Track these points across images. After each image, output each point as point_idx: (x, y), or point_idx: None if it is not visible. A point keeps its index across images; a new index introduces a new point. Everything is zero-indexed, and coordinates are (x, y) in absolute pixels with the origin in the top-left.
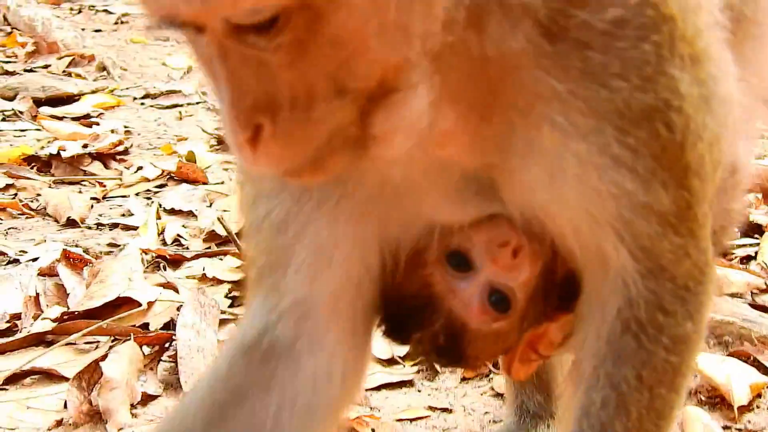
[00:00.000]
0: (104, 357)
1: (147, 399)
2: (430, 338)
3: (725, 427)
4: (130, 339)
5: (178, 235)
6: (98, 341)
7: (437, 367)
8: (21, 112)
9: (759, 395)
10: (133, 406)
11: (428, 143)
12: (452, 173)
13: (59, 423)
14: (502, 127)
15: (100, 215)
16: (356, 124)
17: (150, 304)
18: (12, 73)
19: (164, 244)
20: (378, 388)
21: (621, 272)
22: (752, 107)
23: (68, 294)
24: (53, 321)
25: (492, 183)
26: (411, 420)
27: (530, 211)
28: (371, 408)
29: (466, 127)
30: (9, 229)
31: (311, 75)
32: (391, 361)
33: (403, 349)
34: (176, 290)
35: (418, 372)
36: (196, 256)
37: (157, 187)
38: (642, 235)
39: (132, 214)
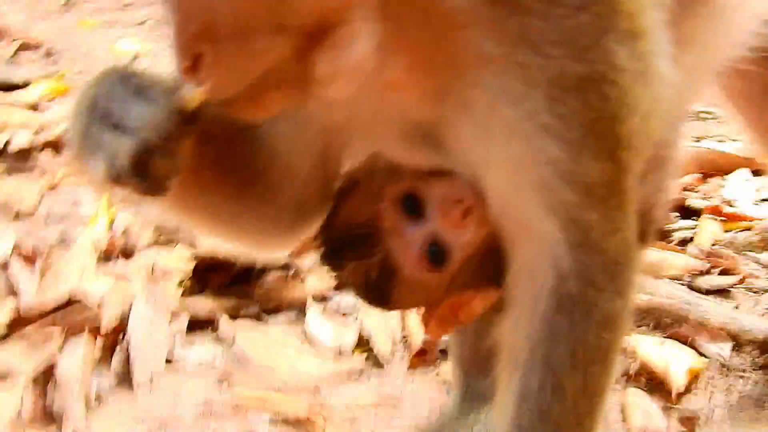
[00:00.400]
0: (58, 353)
1: (101, 394)
2: (363, 271)
3: (665, 409)
4: (83, 334)
5: (129, 225)
6: (51, 337)
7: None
8: None
9: (697, 378)
10: (88, 401)
11: (375, 89)
12: (402, 119)
13: (13, 421)
14: (444, 82)
15: (51, 206)
16: (296, 62)
17: (102, 297)
18: None
19: (115, 235)
20: (327, 380)
21: (550, 244)
22: (691, 87)
23: (20, 289)
24: (5, 317)
25: (438, 135)
26: (361, 408)
27: (469, 171)
28: (321, 400)
29: (411, 77)
30: None
31: (250, 7)
32: (339, 352)
33: (350, 340)
34: (128, 282)
35: (366, 361)
36: (148, 246)
37: None
38: (570, 206)
39: (83, 205)
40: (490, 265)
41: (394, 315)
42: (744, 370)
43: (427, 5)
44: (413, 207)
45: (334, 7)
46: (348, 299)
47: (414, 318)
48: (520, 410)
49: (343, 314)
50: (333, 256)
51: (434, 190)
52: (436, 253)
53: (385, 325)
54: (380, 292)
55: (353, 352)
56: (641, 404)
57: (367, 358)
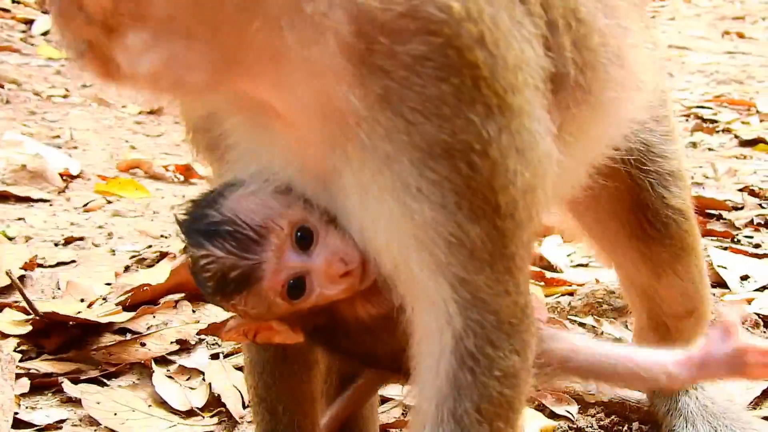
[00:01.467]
0: None
1: None
2: (229, 265)
3: None
4: None
5: None
6: None
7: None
8: None
9: None
10: None
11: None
12: (301, 160)
13: None
14: (330, 130)
15: None
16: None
17: None
18: None
19: None
20: None
21: (443, 304)
22: (574, 169)
23: None
24: None
25: (331, 185)
26: None
27: (357, 227)
28: None
29: (297, 117)
30: None
31: None
32: (189, 413)
33: (200, 401)
34: None
35: (218, 423)
36: None
37: None
38: (456, 267)
39: None
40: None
41: (238, 376)
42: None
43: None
44: (304, 241)
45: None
46: (191, 361)
47: None
48: None
49: (188, 377)
50: (212, 237)
51: (329, 239)
52: (296, 289)
53: (233, 386)
54: (230, 290)
55: (204, 412)
56: None
57: (219, 420)
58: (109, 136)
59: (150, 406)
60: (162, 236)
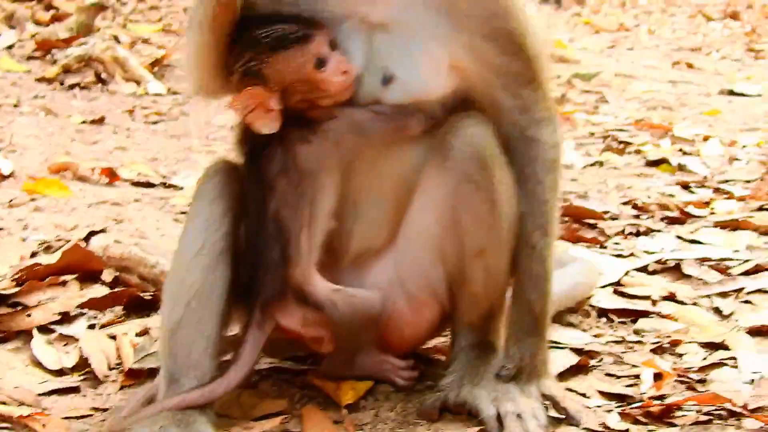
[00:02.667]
0: None
1: None
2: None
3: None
4: None
5: None
6: None
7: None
8: None
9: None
10: None
11: None
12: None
13: None
14: None
15: None
16: None
17: None
18: None
19: None
20: (48, 394)
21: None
22: None
23: None
24: None
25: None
26: (76, 418)
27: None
28: (42, 409)
29: None
30: None
31: None
32: (60, 372)
33: (71, 362)
34: None
35: (83, 380)
36: None
37: None
38: (513, 84)
39: None
40: None
41: (109, 343)
42: None
43: None
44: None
45: None
46: (69, 330)
47: (127, 344)
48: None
49: (65, 344)
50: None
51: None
52: (321, 62)
53: (102, 350)
54: (289, 41)
55: (73, 372)
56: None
57: (84, 378)
58: (48, 142)
59: (27, 365)
60: (73, 228)
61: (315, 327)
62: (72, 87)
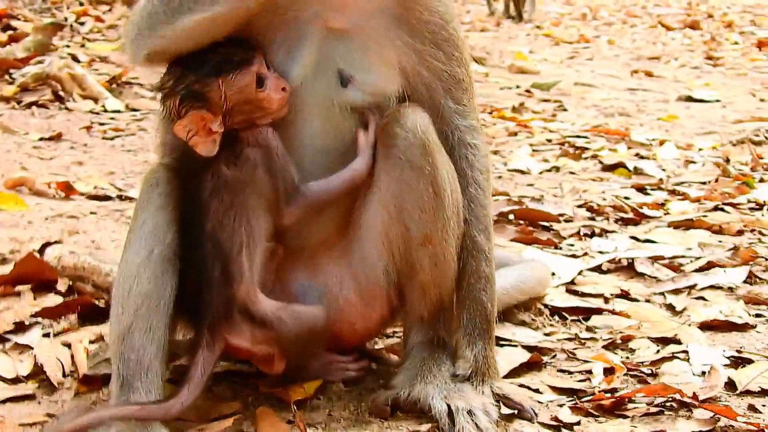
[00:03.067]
0: None
1: None
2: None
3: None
4: None
5: None
6: None
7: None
8: None
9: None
10: None
11: None
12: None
13: None
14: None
15: None
16: None
17: None
18: None
19: None
20: (3, 402)
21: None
22: None
23: None
24: None
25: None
26: (30, 424)
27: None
28: None
29: None
30: None
31: None
32: (15, 380)
33: (26, 371)
34: None
35: (38, 388)
36: None
37: None
38: (454, 90)
39: None
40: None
41: (64, 351)
42: None
43: None
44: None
45: None
46: (24, 338)
47: (81, 351)
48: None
49: (20, 352)
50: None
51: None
52: (261, 81)
53: (56, 358)
54: (230, 67)
55: (28, 380)
56: None
57: (39, 385)
58: (5, 158)
59: None
60: (29, 240)
61: (264, 345)
62: (30, 105)
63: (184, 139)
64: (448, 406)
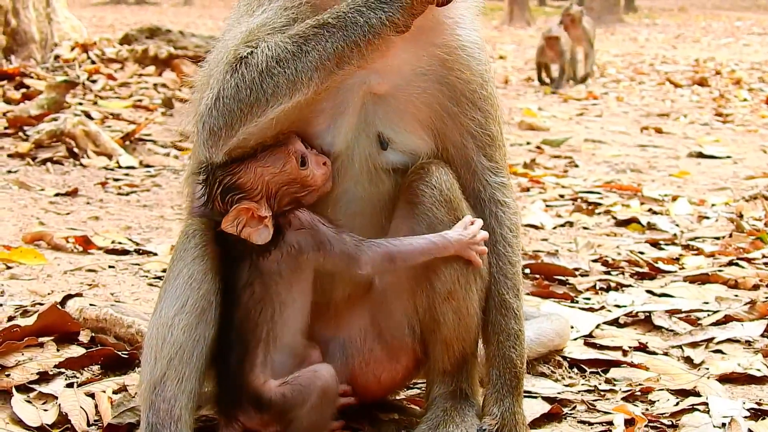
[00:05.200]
0: None
1: None
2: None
3: None
4: None
5: None
6: None
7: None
8: None
9: None
10: None
11: None
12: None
13: None
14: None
15: None
16: None
17: None
18: None
19: None
20: None
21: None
22: None
23: None
24: None
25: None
26: None
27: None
28: None
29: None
30: None
31: None
32: (40, 429)
33: (51, 419)
34: None
35: None
36: None
37: None
38: (488, 147)
39: None
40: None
41: (88, 400)
42: None
43: None
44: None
45: None
46: (48, 388)
47: (105, 401)
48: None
49: (44, 402)
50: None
51: (312, 157)
52: (303, 160)
53: (81, 407)
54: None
55: (53, 429)
56: None
57: None
58: (22, 213)
59: (7, 423)
60: (49, 293)
61: (274, 425)
62: (44, 162)
63: (236, 234)
64: None
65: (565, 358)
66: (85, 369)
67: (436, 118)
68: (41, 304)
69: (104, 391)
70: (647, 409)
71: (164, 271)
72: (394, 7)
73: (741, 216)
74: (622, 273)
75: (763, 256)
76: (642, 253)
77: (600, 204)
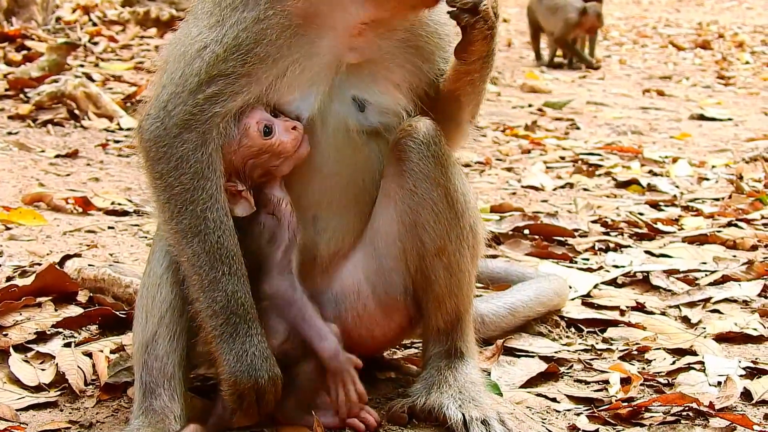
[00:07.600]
0: None
1: None
2: None
3: None
4: None
5: None
6: None
7: None
8: None
9: None
10: None
11: None
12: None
13: None
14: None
15: None
16: None
17: None
18: None
19: None
20: (26, 409)
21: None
22: None
23: None
24: None
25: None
26: (53, 431)
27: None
28: (21, 423)
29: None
30: None
31: None
32: (37, 388)
33: (48, 379)
34: None
35: (61, 395)
36: None
37: None
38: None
39: None
40: None
41: (85, 360)
42: None
43: None
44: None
45: None
46: (45, 348)
47: (103, 360)
48: None
49: (41, 361)
50: None
51: (280, 123)
52: (268, 129)
53: (78, 366)
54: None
55: (50, 388)
56: None
57: (62, 393)
58: (21, 175)
59: (4, 383)
60: (48, 254)
61: None
62: (45, 123)
63: None
64: (463, 415)
65: (562, 317)
66: (83, 329)
67: (410, 78)
68: (39, 265)
69: (101, 351)
70: (643, 368)
71: None
72: None
73: (741, 177)
74: (621, 234)
75: (762, 217)
76: (641, 214)
77: (600, 166)
